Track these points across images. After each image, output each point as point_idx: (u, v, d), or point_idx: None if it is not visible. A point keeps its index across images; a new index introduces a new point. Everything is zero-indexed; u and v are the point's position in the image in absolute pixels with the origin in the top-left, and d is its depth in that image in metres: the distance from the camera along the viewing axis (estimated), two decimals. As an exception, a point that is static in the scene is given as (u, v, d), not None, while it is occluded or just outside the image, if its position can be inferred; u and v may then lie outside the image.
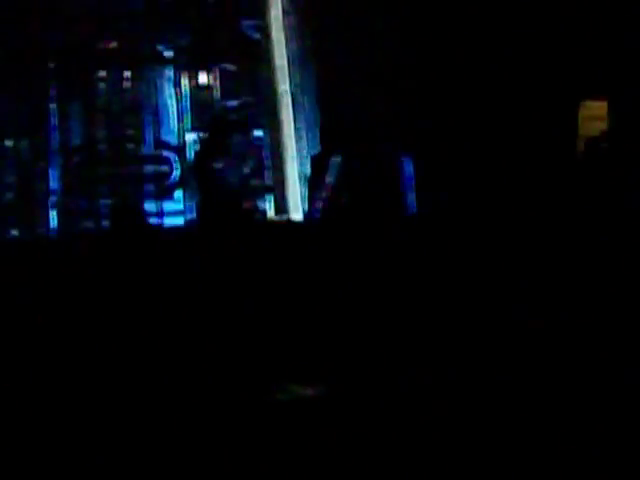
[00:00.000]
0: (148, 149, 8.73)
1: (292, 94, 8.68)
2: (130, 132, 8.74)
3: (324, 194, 7.84)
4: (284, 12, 8.71)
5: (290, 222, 8.48)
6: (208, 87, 8.89)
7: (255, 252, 6.83)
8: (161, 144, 8.74)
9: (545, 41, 7.95)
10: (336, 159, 7.85)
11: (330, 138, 8.10)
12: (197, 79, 8.88)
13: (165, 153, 8.72)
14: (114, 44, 8.81)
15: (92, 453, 4.59)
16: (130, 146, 8.74)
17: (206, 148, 8.46)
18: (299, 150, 8.68)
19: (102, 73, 8.78)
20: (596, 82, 7.85)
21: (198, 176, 8.30)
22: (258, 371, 5.87)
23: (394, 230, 7.08)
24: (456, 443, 4.37)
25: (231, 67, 8.90)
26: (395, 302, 6.53)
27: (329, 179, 7.84)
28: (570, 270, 6.51)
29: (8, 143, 8.56)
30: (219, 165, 8.17)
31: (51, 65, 8.70)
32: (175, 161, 8.70)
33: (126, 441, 4.74)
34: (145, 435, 4.80)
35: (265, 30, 8.80)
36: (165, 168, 8.69)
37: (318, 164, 8.07)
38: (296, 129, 8.69)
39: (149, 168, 8.70)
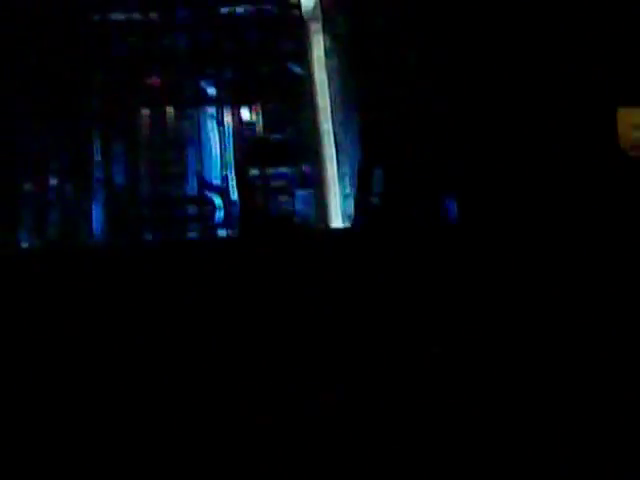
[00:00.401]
0: (191, 190, 8.75)
1: (335, 134, 8.65)
2: (173, 170, 8.76)
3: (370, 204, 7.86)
4: (326, 52, 8.68)
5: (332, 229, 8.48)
6: (251, 124, 8.88)
7: (295, 261, 6.84)
8: (204, 184, 8.74)
9: (580, 43, 7.82)
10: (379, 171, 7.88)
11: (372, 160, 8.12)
12: (240, 116, 8.87)
13: (208, 194, 8.72)
14: (157, 80, 8.83)
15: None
16: (173, 185, 8.76)
17: (245, 162, 8.51)
18: (342, 189, 8.65)
19: (145, 111, 8.81)
20: (636, 86, 7.71)
21: (238, 189, 8.36)
22: (280, 377, 5.87)
23: (434, 241, 7.06)
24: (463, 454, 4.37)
25: (274, 104, 8.89)
26: (436, 314, 6.51)
27: (375, 194, 7.85)
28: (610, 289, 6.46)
29: (52, 181, 8.62)
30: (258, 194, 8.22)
31: (94, 103, 8.74)
32: (218, 202, 8.70)
33: (136, 441, 4.78)
34: (154, 438, 4.84)
35: (308, 69, 8.77)
36: (209, 209, 8.70)
37: (363, 177, 8.08)
38: (339, 169, 8.66)
39: (192, 209, 8.72)
